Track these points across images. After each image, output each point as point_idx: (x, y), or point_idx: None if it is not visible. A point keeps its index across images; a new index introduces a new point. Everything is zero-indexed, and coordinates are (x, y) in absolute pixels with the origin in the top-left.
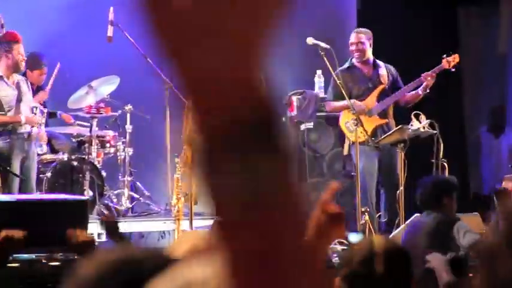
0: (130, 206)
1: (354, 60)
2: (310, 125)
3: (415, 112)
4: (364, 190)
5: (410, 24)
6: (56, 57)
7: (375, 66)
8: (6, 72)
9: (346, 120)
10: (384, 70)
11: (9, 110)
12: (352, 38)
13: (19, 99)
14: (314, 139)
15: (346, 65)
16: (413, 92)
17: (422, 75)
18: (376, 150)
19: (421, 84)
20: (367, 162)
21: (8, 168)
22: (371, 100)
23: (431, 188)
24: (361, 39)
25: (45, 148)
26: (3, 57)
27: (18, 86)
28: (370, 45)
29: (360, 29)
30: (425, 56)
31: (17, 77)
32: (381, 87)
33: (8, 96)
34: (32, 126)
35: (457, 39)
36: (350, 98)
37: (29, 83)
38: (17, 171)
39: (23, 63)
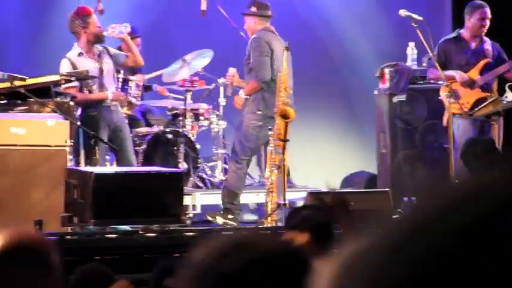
0: (224, 178)
1: (462, 31)
2: (403, 97)
3: (509, 84)
4: (459, 162)
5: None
6: (150, 32)
7: (481, 41)
8: (87, 47)
9: (446, 92)
10: (489, 45)
11: (93, 84)
12: (480, 13)
13: (101, 72)
14: (406, 111)
15: (453, 34)
16: None
17: None
18: (475, 122)
19: None
20: (464, 134)
21: (100, 138)
22: (474, 73)
23: None
24: (490, 15)
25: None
26: (81, 33)
27: (99, 58)
28: None
29: (482, 2)
30: None
31: (97, 49)
32: (485, 60)
33: (91, 72)
34: (122, 101)
35: None
36: (452, 68)
37: (109, 51)
38: (106, 141)
39: (103, 34)
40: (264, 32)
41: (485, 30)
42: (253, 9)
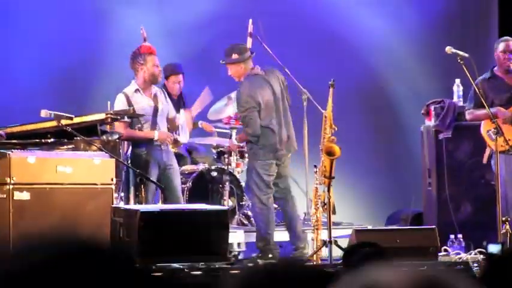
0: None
1: (496, 69)
2: (449, 134)
3: None
4: (506, 200)
5: None
6: (195, 71)
7: None
8: (143, 85)
9: (487, 129)
10: None
11: (145, 123)
12: (503, 46)
13: (156, 111)
14: (452, 148)
15: (488, 75)
16: None
17: None
18: None
19: None
20: (509, 172)
21: (147, 176)
22: None
23: None
24: None
25: (187, 136)
26: (139, 70)
27: (155, 98)
28: None
29: (509, 37)
30: None
31: (154, 89)
32: None
33: (144, 109)
34: (169, 142)
35: None
36: (492, 107)
37: (166, 94)
38: (155, 180)
39: (160, 74)
40: (249, 81)
41: (509, 64)
42: (235, 56)
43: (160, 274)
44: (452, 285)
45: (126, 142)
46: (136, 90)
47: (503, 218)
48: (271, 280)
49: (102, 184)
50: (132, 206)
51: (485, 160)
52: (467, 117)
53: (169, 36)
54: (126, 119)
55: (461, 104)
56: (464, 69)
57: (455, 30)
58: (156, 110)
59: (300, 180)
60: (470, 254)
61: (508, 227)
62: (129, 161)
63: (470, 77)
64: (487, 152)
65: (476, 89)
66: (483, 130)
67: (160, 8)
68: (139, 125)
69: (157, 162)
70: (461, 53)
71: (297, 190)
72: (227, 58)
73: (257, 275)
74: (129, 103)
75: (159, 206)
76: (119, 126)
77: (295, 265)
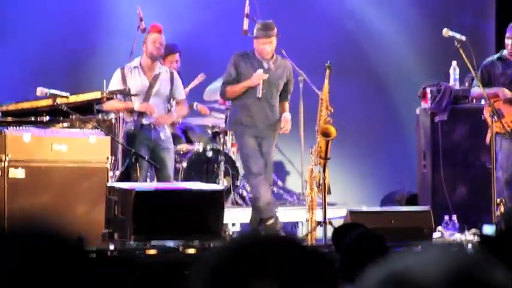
0: None
1: (505, 52)
2: (445, 117)
3: None
4: (504, 182)
5: None
6: (192, 51)
7: None
8: (145, 62)
9: (490, 111)
10: None
11: (136, 101)
12: (508, 32)
13: (150, 89)
14: (448, 131)
15: (497, 55)
16: None
17: None
18: None
19: None
20: (506, 154)
21: (141, 154)
22: None
23: None
24: None
25: (168, 132)
26: (143, 49)
27: (154, 78)
28: None
29: None
30: None
31: (160, 69)
32: None
33: (137, 87)
34: (150, 113)
35: None
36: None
37: (174, 77)
38: (146, 158)
39: (159, 52)
40: None
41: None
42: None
43: (154, 252)
44: (488, 276)
45: (122, 121)
46: (136, 68)
47: (498, 200)
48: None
49: (97, 162)
50: (127, 184)
51: (488, 140)
52: (471, 94)
53: (165, 16)
54: (120, 97)
55: (457, 87)
56: (461, 52)
57: (453, 13)
58: (150, 88)
59: (296, 161)
60: (464, 235)
61: (502, 208)
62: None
63: (467, 60)
64: (489, 133)
65: (476, 73)
66: (486, 111)
67: None
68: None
69: (147, 141)
70: (458, 36)
71: (293, 170)
72: (274, 32)
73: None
74: (124, 80)
75: (154, 185)
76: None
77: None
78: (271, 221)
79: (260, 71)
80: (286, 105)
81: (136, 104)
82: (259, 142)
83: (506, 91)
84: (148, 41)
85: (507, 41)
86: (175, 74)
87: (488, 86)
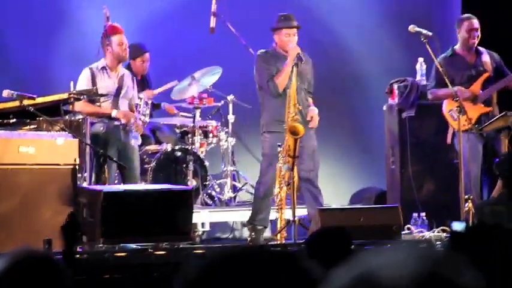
0: (233, 195)
1: (457, 48)
2: (412, 112)
3: None
4: (469, 178)
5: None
6: (159, 49)
7: (478, 53)
8: (111, 64)
9: (450, 108)
10: (487, 57)
11: (106, 101)
12: (469, 25)
13: (119, 92)
14: (416, 127)
15: (449, 52)
16: None
17: None
18: (481, 137)
19: None
20: (472, 150)
21: (109, 155)
22: (475, 87)
23: None
24: (478, 25)
25: (140, 140)
26: (106, 51)
27: (121, 78)
28: None
29: (472, 15)
30: None
31: (123, 71)
32: (485, 75)
33: (107, 88)
34: (127, 120)
35: None
36: (453, 85)
37: (134, 80)
38: (114, 159)
39: (126, 52)
40: None
41: (475, 42)
42: None
43: (124, 254)
44: (457, 275)
45: (88, 122)
46: (103, 68)
47: (466, 196)
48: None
49: (65, 164)
50: (95, 186)
51: (449, 140)
52: (429, 96)
53: (131, 14)
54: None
55: (424, 82)
56: (427, 47)
57: (419, 8)
58: (119, 90)
59: None
60: (433, 232)
61: (470, 205)
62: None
63: (434, 56)
64: (450, 131)
65: (439, 67)
66: (445, 110)
67: None
68: (99, 104)
69: (116, 141)
70: (424, 31)
71: None
72: (296, 23)
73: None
74: (93, 80)
75: (123, 186)
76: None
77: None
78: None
79: (293, 46)
80: (311, 100)
81: (114, 111)
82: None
83: (464, 90)
84: (113, 43)
85: (473, 33)
86: (132, 77)
87: (445, 86)
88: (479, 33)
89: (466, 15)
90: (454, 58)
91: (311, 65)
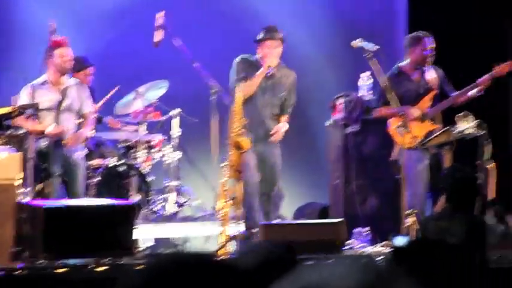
0: (177, 210)
1: (402, 65)
2: (356, 127)
3: (464, 112)
4: (414, 193)
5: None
6: (104, 63)
7: (423, 71)
8: (53, 77)
9: (395, 125)
10: (432, 72)
11: (48, 116)
12: (426, 43)
13: (60, 104)
14: (359, 142)
15: (394, 70)
16: (468, 94)
17: (479, 80)
18: (426, 153)
19: (475, 88)
20: (417, 166)
21: (51, 170)
22: (423, 105)
23: None
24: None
25: (84, 152)
26: (49, 63)
27: (64, 91)
28: None
29: (427, 33)
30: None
31: (68, 83)
32: (432, 92)
33: (47, 102)
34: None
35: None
36: (401, 103)
37: (84, 90)
38: (57, 174)
39: (69, 65)
40: None
41: (431, 61)
42: None
43: (65, 270)
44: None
45: (31, 137)
46: (45, 83)
47: (409, 211)
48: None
49: (7, 179)
50: (37, 201)
51: (394, 155)
52: (375, 114)
53: (77, 27)
54: (30, 111)
55: (368, 97)
56: (370, 64)
57: (363, 23)
58: (60, 104)
59: (208, 174)
60: (376, 247)
61: (413, 220)
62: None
63: (377, 72)
64: (397, 147)
65: (386, 85)
66: (391, 127)
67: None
68: (41, 119)
69: (59, 156)
70: (367, 47)
71: (205, 184)
72: (280, 35)
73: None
74: (33, 96)
75: (64, 202)
76: (19, 119)
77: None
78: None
79: (271, 59)
80: (284, 118)
81: (49, 128)
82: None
83: (414, 110)
84: (56, 56)
85: (428, 52)
86: (83, 86)
87: (391, 102)
88: (434, 51)
89: (422, 32)
90: (400, 76)
91: (291, 81)
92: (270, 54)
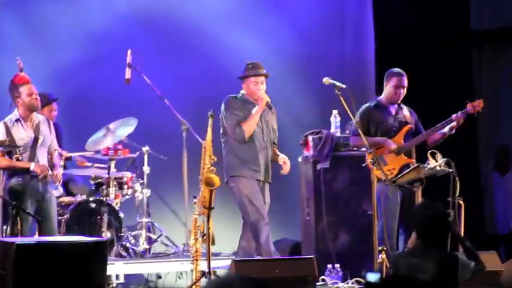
0: (148, 247)
1: (381, 98)
2: (327, 164)
3: (431, 150)
4: (387, 229)
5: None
6: (73, 100)
7: (400, 107)
8: (24, 114)
9: (372, 158)
10: (407, 111)
11: (24, 153)
12: (396, 81)
13: (35, 142)
14: (330, 178)
15: (373, 103)
16: (441, 131)
17: (453, 116)
18: (398, 189)
19: (447, 125)
20: (390, 201)
21: (22, 208)
22: (398, 139)
23: None
24: (406, 84)
25: (60, 190)
26: (17, 101)
27: (36, 127)
28: None
29: (401, 71)
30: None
31: (38, 119)
32: (408, 126)
33: (23, 139)
34: (43, 174)
35: (471, 78)
36: (376, 135)
37: (51, 125)
38: (31, 212)
39: (37, 102)
40: None
41: (400, 99)
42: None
43: None
44: None
45: (2, 174)
46: (17, 120)
47: (380, 248)
48: None
49: None
50: (7, 238)
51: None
52: (352, 142)
53: (45, 63)
54: (2, 149)
55: (338, 134)
56: (341, 100)
57: (334, 59)
58: (35, 141)
59: (179, 211)
60: (347, 283)
61: (384, 256)
62: (5, 193)
63: (348, 108)
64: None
65: (357, 122)
66: (368, 159)
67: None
68: (18, 155)
69: (33, 194)
70: (338, 83)
71: (176, 221)
72: (264, 71)
73: None
74: (9, 132)
75: (36, 239)
76: None
77: None
78: None
79: (262, 94)
80: (276, 150)
81: (33, 164)
82: (261, 186)
83: (391, 143)
84: (23, 93)
85: (400, 90)
86: (50, 122)
87: (368, 134)
88: (405, 90)
89: (397, 70)
90: (378, 108)
91: (276, 114)
92: (258, 90)
